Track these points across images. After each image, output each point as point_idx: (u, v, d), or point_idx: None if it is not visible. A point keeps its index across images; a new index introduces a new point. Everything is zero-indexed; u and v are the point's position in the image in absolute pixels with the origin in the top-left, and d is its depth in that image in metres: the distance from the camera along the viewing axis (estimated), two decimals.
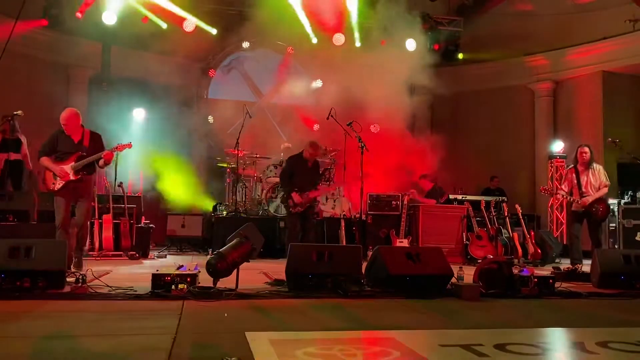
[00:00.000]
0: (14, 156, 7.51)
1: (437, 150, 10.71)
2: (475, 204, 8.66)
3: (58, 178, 5.56)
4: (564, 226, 10.82)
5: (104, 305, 3.83)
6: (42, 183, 5.85)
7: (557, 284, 4.82)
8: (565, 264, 7.32)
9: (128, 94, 10.45)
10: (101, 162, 5.69)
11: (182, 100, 11.37)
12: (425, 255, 4.82)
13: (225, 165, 10.16)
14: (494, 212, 8.87)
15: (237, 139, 8.97)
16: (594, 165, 7.04)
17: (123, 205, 7.72)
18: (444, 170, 10.65)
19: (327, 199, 9.43)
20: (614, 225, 9.10)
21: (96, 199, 7.38)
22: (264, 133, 11.05)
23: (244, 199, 9.58)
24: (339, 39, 11.47)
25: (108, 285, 4.41)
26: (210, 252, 7.50)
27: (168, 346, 2.63)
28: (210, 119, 11.61)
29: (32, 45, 10.15)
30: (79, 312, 3.60)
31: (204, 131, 11.37)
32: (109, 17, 10.06)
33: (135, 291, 4.18)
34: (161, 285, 4.11)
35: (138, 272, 5.95)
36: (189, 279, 4.14)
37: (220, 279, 4.24)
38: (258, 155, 9.95)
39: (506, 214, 8.73)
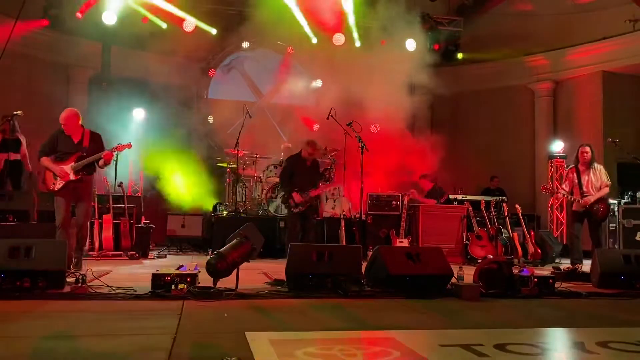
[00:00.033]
0: (13, 156, 7.50)
1: (437, 150, 10.71)
2: (475, 204, 8.66)
3: (58, 178, 5.56)
4: (564, 226, 10.82)
5: (104, 305, 3.84)
6: (42, 183, 5.84)
7: (557, 284, 4.82)
8: (565, 264, 7.33)
9: (128, 93, 10.44)
10: (101, 162, 5.69)
11: (182, 100, 11.36)
12: (425, 255, 4.82)
13: (225, 165, 10.16)
14: (494, 212, 8.87)
15: (237, 139, 8.97)
16: (595, 165, 7.03)
17: (123, 205, 7.72)
18: (444, 170, 10.65)
19: (327, 198, 9.43)
20: (614, 225, 9.10)
21: (96, 199, 7.39)
22: (264, 133, 11.04)
23: (244, 199, 9.58)
24: (339, 39, 11.47)
25: (108, 285, 4.41)
26: (210, 252, 7.50)
27: (168, 346, 2.63)
28: (210, 119, 11.60)
29: (32, 46, 10.14)
30: (79, 312, 3.60)
31: (204, 131, 11.37)
32: (109, 17, 10.05)
33: (135, 291, 4.18)
34: (161, 285, 4.11)
35: (138, 272, 5.95)
36: (189, 279, 4.14)
37: (220, 279, 4.24)
38: (258, 155, 9.95)
39: (506, 214, 8.73)
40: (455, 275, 4.71)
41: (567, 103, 12.29)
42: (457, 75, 12.73)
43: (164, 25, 10.79)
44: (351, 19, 11.37)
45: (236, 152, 9.14)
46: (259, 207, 9.42)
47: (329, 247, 5.46)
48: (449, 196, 9.35)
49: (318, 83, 11.95)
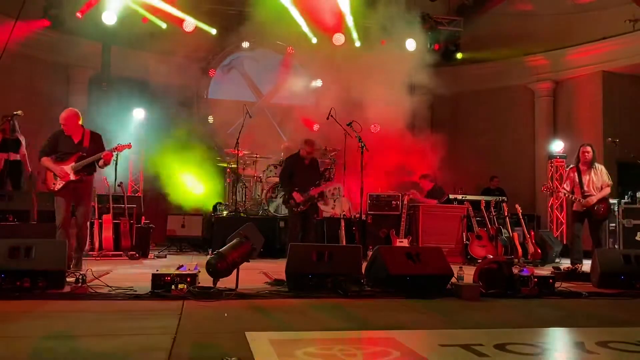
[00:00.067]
0: (13, 156, 7.51)
1: (437, 150, 10.72)
2: (475, 204, 8.65)
3: (58, 178, 5.56)
4: (564, 226, 10.82)
5: (104, 305, 3.83)
6: (42, 183, 5.85)
7: (557, 284, 4.82)
8: (565, 263, 7.32)
9: (128, 93, 10.45)
10: (101, 162, 5.69)
11: (182, 100, 11.37)
12: (425, 255, 4.82)
13: (225, 165, 10.16)
14: (494, 212, 8.86)
15: (237, 139, 8.97)
16: (596, 164, 7.02)
17: (123, 205, 7.72)
18: (444, 170, 10.66)
19: (326, 197, 9.41)
20: (614, 225, 9.09)
21: (96, 199, 7.39)
22: (264, 133, 11.03)
23: (244, 199, 9.58)
24: (338, 38, 11.47)
25: (108, 285, 4.41)
26: (210, 252, 7.50)
27: (168, 346, 2.63)
28: (210, 119, 11.61)
29: (32, 46, 10.14)
30: (79, 312, 3.60)
31: (204, 131, 11.36)
32: (109, 17, 10.06)
33: (135, 291, 4.18)
34: (161, 285, 4.11)
35: (138, 272, 5.95)
36: (189, 279, 4.14)
37: (220, 279, 4.24)
38: (258, 155, 9.95)
39: (506, 214, 8.72)
40: (455, 275, 4.71)
41: (567, 103, 12.29)
42: (457, 75, 12.73)
43: (164, 25, 10.79)
44: (351, 19, 11.37)
45: (236, 152, 9.14)
46: (259, 207, 9.42)
47: (329, 247, 5.45)
48: (448, 196, 9.35)
49: (318, 83, 11.96)
